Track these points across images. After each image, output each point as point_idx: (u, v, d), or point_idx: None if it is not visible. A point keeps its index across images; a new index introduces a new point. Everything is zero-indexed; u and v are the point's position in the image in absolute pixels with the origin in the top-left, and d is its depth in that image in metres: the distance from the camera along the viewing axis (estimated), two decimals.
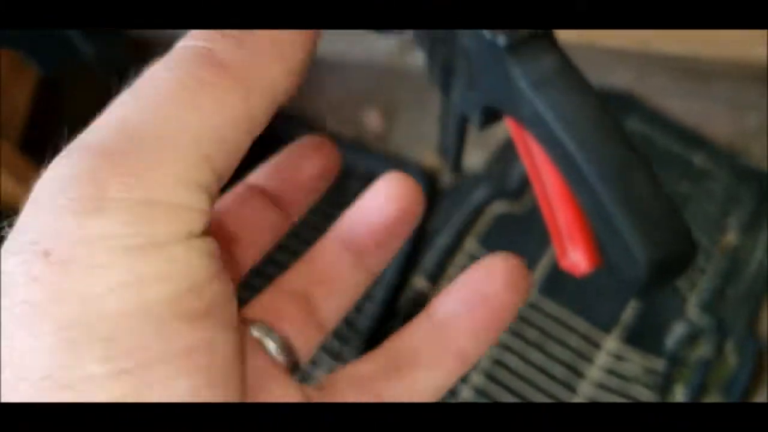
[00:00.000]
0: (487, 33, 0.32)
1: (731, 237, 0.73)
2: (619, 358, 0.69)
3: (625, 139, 0.30)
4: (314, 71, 0.81)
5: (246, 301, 0.36)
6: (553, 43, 0.33)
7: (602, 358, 0.70)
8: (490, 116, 0.35)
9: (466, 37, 0.31)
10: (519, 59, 0.32)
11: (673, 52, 0.60)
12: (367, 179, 0.76)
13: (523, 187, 0.74)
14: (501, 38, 0.32)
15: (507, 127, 0.35)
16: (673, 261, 0.29)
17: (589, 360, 0.70)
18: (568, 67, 0.32)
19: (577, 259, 0.32)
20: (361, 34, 0.55)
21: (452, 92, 0.36)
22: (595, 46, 0.52)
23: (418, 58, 0.58)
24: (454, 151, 0.43)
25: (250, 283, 0.64)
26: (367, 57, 0.57)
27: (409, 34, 0.35)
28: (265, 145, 0.75)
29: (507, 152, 0.76)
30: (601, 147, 0.30)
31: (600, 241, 0.31)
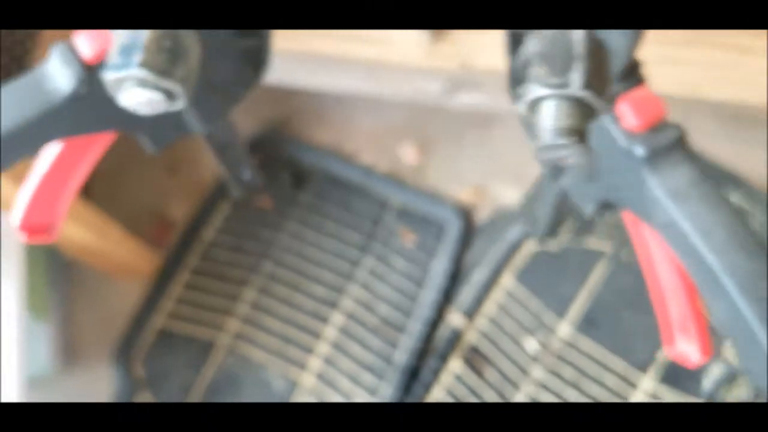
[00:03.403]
0: (622, 140, 0.34)
1: None
2: (654, 397, 0.69)
3: (762, 251, 0.31)
4: (352, 106, 0.82)
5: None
6: (689, 154, 0.35)
7: (638, 398, 0.69)
8: (604, 207, 0.37)
9: (595, 137, 0.33)
10: (656, 169, 0.33)
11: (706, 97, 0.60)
12: (401, 213, 0.76)
13: (559, 225, 0.74)
14: (639, 148, 0.34)
15: (623, 219, 0.36)
16: None
17: (624, 399, 0.69)
18: (703, 179, 0.33)
19: (689, 350, 0.34)
20: (409, 74, 0.56)
21: (562, 178, 0.38)
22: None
23: (463, 99, 0.59)
24: (547, 225, 0.45)
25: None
26: (411, 96, 0.58)
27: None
28: (298, 177, 0.76)
29: (543, 190, 0.77)
30: (740, 259, 0.31)
31: (736, 347, 0.32)
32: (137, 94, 0.30)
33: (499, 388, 0.69)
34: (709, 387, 0.69)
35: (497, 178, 0.77)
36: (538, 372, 0.70)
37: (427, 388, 0.69)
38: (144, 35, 0.30)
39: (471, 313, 0.71)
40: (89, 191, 0.76)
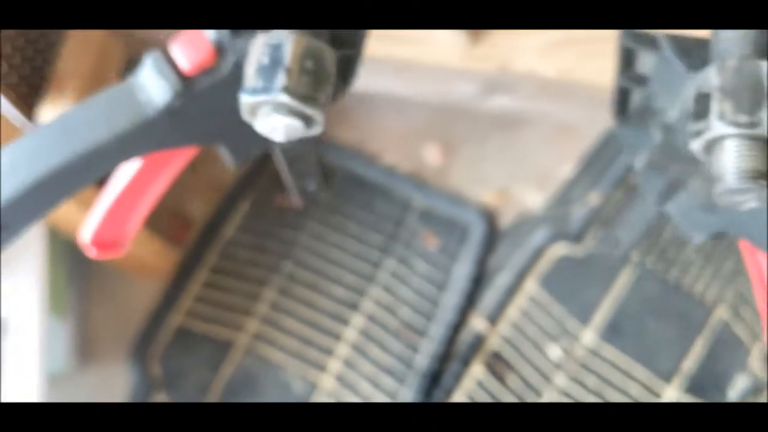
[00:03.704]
0: None
1: None
2: None
3: None
4: (375, 106, 0.81)
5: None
6: None
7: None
8: (716, 237, 0.34)
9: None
10: None
11: None
12: (424, 215, 0.75)
13: (584, 230, 0.73)
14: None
15: (739, 246, 0.34)
16: None
17: None
18: None
19: None
20: (445, 75, 0.55)
21: (668, 204, 0.35)
22: None
23: (496, 102, 0.58)
24: (628, 245, 0.43)
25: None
26: (443, 98, 0.57)
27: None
28: (323, 176, 0.75)
29: (568, 194, 0.76)
30: None
31: None
32: (275, 121, 0.28)
33: (521, 395, 0.68)
34: (734, 398, 0.68)
35: (521, 182, 0.76)
36: (560, 379, 0.69)
37: (448, 393, 0.68)
38: (286, 54, 0.27)
39: (494, 318, 0.70)
40: None
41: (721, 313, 0.70)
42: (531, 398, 0.68)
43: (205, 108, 0.29)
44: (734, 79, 0.24)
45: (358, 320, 0.71)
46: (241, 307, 0.72)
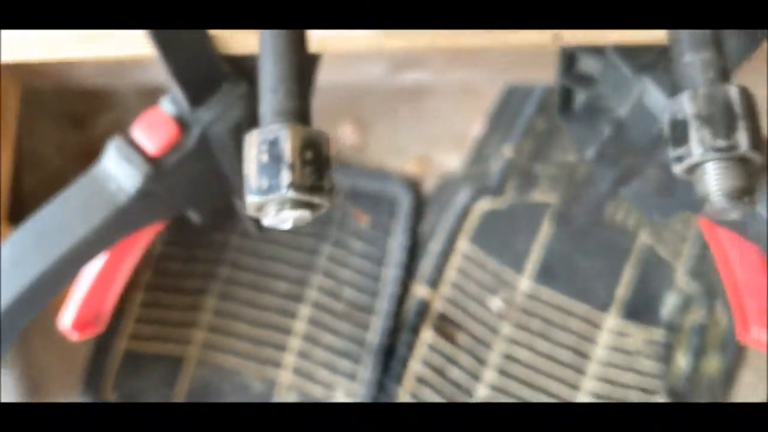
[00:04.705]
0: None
1: None
2: (620, 334, 0.72)
3: None
4: None
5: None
6: None
7: (604, 337, 0.72)
8: (673, 213, 0.37)
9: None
10: None
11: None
12: (351, 195, 0.76)
13: (503, 183, 0.75)
14: None
15: (699, 224, 0.37)
16: None
17: (592, 341, 0.72)
18: None
19: (763, 338, 0.36)
20: (353, 59, 0.55)
21: (624, 189, 0.37)
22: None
23: (406, 78, 0.59)
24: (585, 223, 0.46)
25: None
26: (350, 79, 0.57)
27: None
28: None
29: (483, 151, 0.78)
30: None
31: None
32: (285, 215, 0.27)
33: (473, 351, 0.71)
34: (668, 315, 0.72)
35: (437, 147, 0.78)
36: (506, 329, 0.72)
37: (404, 363, 0.70)
38: (285, 149, 0.26)
39: (434, 283, 0.72)
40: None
41: (644, 237, 0.74)
42: (482, 351, 0.71)
43: (175, 181, 0.29)
44: (708, 106, 0.26)
45: (304, 311, 0.71)
46: (185, 320, 0.71)
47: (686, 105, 0.26)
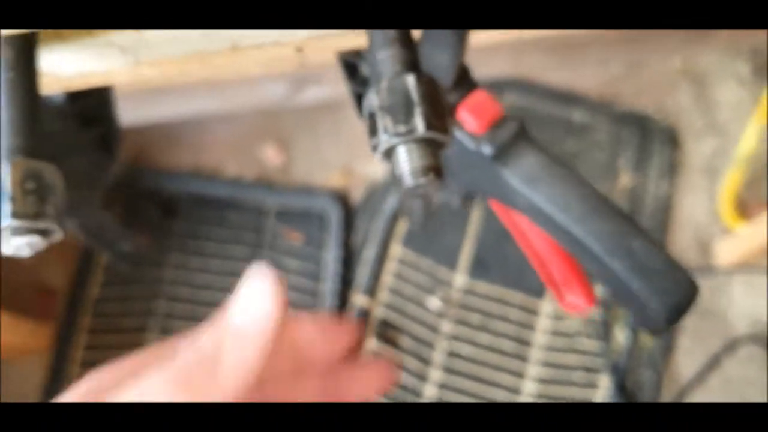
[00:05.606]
0: (470, 143, 0.38)
1: (625, 178, 0.78)
2: (557, 318, 0.73)
3: (617, 212, 0.35)
4: (202, 126, 0.81)
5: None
6: (531, 142, 0.38)
7: (543, 323, 0.73)
8: (468, 198, 0.40)
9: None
10: (506, 162, 0.38)
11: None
12: (280, 215, 0.77)
13: None
14: (486, 148, 0.38)
15: (491, 206, 0.39)
16: (685, 302, 0.34)
17: (532, 328, 0.73)
18: (549, 160, 0.37)
19: (576, 301, 0.38)
20: (253, 83, 0.56)
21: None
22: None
23: (309, 96, 0.60)
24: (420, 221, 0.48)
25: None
26: (257, 102, 0.59)
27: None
28: (166, 207, 0.75)
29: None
30: (598, 223, 0.35)
31: (618, 300, 0.37)
32: (17, 241, 0.31)
33: (417, 352, 0.72)
34: (601, 293, 0.73)
35: (359, 157, 0.79)
36: (446, 326, 0.73)
37: None
38: (6, 183, 0.30)
39: (372, 291, 0.74)
40: None
41: None
42: (426, 352, 0.72)
43: None
44: (389, 97, 0.29)
45: None
46: None
47: (372, 98, 0.29)
